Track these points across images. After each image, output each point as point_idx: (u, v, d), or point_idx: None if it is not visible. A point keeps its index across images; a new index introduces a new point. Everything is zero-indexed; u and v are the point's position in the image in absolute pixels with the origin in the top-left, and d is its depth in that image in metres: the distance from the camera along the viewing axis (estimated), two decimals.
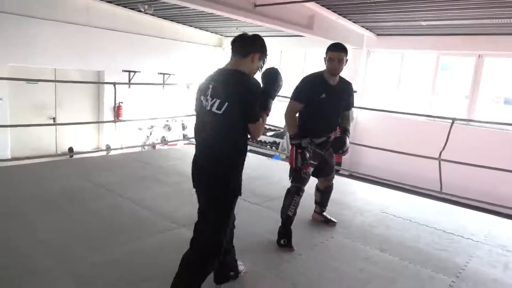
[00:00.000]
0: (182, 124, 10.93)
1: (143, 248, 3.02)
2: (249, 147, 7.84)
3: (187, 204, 3.95)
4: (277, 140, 10.46)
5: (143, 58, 10.33)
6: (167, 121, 10.41)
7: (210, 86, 2.15)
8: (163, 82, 10.68)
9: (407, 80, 9.38)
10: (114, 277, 2.59)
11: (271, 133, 9.92)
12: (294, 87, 3.22)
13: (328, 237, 3.43)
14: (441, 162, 4.23)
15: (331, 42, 3.16)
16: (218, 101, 2.10)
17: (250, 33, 2.37)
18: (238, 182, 2.22)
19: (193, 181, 2.33)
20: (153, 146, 10.17)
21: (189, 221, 3.44)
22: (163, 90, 10.68)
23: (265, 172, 5.54)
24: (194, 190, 2.36)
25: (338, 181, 4.10)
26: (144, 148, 9.66)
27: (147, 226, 3.41)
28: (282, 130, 9.91)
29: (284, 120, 3.20)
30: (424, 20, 7.45)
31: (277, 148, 10.11)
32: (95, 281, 2.54)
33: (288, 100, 3.20)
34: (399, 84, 9.40)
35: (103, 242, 3.06)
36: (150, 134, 10.30)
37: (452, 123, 4.14)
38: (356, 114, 9.48)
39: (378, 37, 9.35)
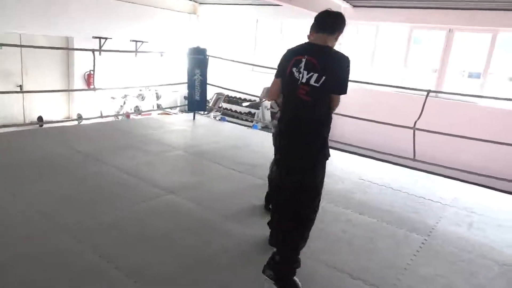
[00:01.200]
0: (156, 93, 10.77)
1: (137, 212, 3.11)
2: (227, 118, 7.85)
3: (173, 172, 4.06)
4: (253, 110, 10.56)
5: (115, 24, 9.97)
6: (141, 90, 10.23)
7: (304, 60, 2.18)
8: (136, 49, 10.39)
9: (381, 54, 9.59)
10: (112, 240, 2.68)
11: (247, 103, 9.98)
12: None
13: None
14: (416, 131, 4.48)
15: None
16: (315, 75, 2.15)
17: None
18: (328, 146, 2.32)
19: (284, 150, 2.32)
20: (127, 115, 10.01)
21: (177, 188, 3.59)
22: (136, 58, 10.41)
23: (246, 141, 5.65)
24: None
25: None
26: (118, 118, 9.51)
27: (137, 192, 3.48)
28: (257, 101, 10.02)
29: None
30: None
31: (252, 118, 10.23)
32: (94, 243, 2.62)
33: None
34: (373, 58, 9.61)
35: (96, 207, 3.12)
36: (124, 103, 10.10)
37: (427, 95, 4.37)
38: None
39: (354, 9, 9.44)
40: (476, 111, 8.02)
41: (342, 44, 9.84)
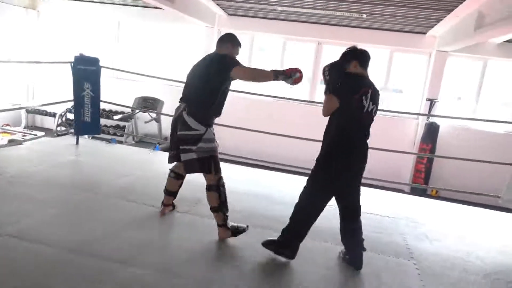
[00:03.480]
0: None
1: None
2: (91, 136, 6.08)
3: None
4: (122, 123, 9.31)
5: None
6: None
7: (370, 91, 2.66)
8: None
9: (257, 61, 9.68)
10: None
11: (119, 116, 8.71)
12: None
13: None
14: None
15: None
16: (374, 106, 2.70)
17: None
18: None
19: (353, 167, 2.76)
20: None
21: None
22: None
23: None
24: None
25: None
26: None
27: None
28: (130, 112, 8.88)
29: None
30: (281, 6, 7.74)
31: (122, 132, 8.99)
32: None
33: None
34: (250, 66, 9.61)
35: None
36: None
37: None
38: None
39: (229, 17, 9.26)
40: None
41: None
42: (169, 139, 3.14)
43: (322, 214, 2.79)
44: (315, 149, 2.89)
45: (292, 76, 2.82)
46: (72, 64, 4.59)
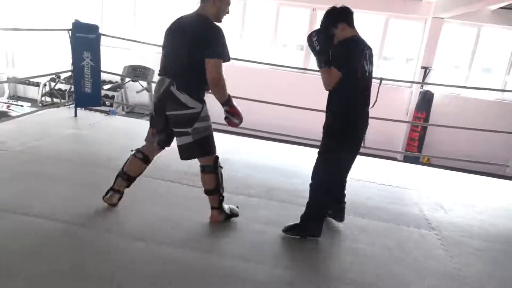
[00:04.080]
0: None
1: None
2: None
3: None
4: (110, 93, 8.97)
5: None
6: None
7: (368, 53, 2.54)
8: None
9: (249, 30, 9.40)
10: None
11: (108, 85, 8.39)
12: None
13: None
14: None
15: None
16: (371, 65, 2.60)
17: None
18: None
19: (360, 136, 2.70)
20: None
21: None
22: None
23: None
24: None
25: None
26: None
27: None
28: (119, 82, 8.57)
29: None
30: None
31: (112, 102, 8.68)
32: None
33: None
34: (242, 33, 9.34)
35: None
36: None
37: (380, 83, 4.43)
38: None
39: None
40: None
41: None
42: (153, 119, 2.66)
43: None
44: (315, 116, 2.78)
45: (231, 115, 2.57)
46: (70, 31, 4.30)
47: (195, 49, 2.41)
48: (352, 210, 3.25)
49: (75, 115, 5.00)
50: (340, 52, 2.49)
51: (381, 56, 8.99)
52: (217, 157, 2.70)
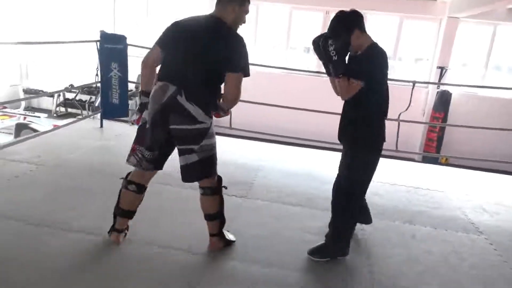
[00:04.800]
0: None
1: None
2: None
3: None
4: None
5: None
6: None
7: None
8: None
9: (262, 34, 9.39)
10: None
11: None
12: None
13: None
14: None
15: None
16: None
17: None
18: None
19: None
20: None
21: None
22: None
23: None
24: None
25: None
26: None
27: None
28: (133, 90, 8.51)
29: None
30: None
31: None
32: None
33: None
34: (256, 38, 9.33)
35: None
36: None
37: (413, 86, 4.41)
38: None
39: None
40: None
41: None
42: (147, 136, 2.25)
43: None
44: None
45: (223, 113, 2.30)
46: (99, 42, 4.28)
47: (215, 60, 2.16)
48: (396, 216, 3.19)
49: (101, 125, 4.96)
50: (365, 62, 2.34)
51: (396, 57, 8.94)
52: (220, 177, 2.42)
